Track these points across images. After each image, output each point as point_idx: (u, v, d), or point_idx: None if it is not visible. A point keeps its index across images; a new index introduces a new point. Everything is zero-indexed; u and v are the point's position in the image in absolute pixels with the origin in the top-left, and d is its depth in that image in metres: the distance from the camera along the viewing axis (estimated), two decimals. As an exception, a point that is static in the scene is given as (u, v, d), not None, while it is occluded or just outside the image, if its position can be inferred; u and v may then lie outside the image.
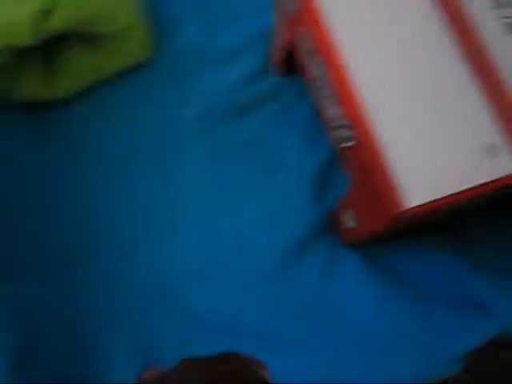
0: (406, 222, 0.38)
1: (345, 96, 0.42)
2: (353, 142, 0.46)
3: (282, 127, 0.82)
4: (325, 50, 0.44)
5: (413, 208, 0.35)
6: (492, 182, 0.34)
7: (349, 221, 0.65)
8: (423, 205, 0.35)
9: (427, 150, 0.38)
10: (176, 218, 0.75)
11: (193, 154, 0.79)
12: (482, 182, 0.35)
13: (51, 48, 0.74)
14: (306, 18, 0.50)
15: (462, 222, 0.70)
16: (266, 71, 0.85)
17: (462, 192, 0.35)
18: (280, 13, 0.70)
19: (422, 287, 0.67)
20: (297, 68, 0.77)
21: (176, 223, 0.74)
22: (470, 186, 0.35)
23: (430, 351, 0.57)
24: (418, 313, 0.64)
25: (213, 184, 0.77)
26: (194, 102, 0.81)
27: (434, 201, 0.35)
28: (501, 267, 0.66)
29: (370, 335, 0.64)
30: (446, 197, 0.35)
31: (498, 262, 0.67)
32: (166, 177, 0.78)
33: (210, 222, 0.75)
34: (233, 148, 0.79)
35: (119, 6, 0.73)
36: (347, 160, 0.55)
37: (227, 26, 0.87)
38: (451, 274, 0.67)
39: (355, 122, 0.41)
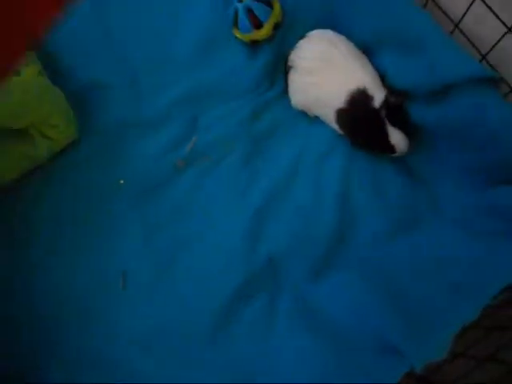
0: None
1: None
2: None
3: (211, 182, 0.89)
4: None
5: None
6: None
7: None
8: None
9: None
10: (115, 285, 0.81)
11: (127, 222, 0.85)
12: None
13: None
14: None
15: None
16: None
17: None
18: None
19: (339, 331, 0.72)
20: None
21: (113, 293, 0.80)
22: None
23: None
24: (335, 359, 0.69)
25: (147, 249, 0.83)
26: (125, 172, 0.87)
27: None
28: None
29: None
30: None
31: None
32: (106, 247, 0.83)
33: (148, 288, 0.81)
34: (163, 214, 0.85)
35: (37, 99, 0.78)
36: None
37: (151, 95, 0.94)
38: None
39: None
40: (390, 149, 0.83)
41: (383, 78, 0.86)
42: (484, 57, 0.79)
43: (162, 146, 0.91)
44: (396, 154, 0.84)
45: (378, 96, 0.81)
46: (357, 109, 0.83)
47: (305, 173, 0.90)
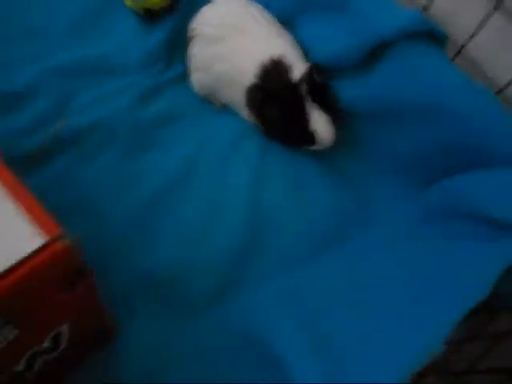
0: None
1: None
2: None
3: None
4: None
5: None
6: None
7: None
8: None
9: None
10: None
11: None
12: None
13: None
14: None
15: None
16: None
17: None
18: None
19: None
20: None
21: None
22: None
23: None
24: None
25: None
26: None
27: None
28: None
29: None
30: None
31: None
32: None
33: None
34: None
35: None
36: None
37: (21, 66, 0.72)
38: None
39: None
40: (309, 137, 0.63)
41: (306, 54, 0.68)
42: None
43: (22, 127, 0.67)
44: (316, 147, 0.65)
45: (298, 67, 0.63)
46: (270, 83, 0.63)
47: (204, 172, 0.69)
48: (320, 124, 0.62)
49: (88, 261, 0.37)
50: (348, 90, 0.66)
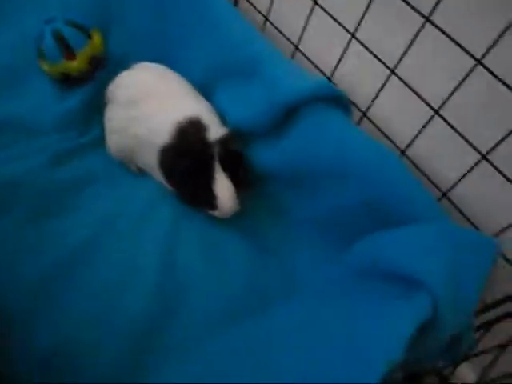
0: None
1: None
2: None
3: None
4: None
5: None
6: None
7: None
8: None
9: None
10: None
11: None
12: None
13: None
14: None
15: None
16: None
17: None
18: None
19: None
20: None
21: None
22: None
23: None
24: None
25: None
26: None
27: None
28: None
29: None
30: None
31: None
32: None
33: None
34: None
35: None
36: None
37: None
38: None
39: None
40: (211, 201, 0.62)
41: (223, 119, 0.69)
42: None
43: None
44: (217, 213, 0.63)
45: (215, 129, 0.63)
46: (184, 141, 0.62)
47: (115, 237, 0.64)
48: (223, 190, 0.61)
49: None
50: (262, 154, 0.67)
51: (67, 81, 0.76)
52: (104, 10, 0.79)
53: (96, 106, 0.75)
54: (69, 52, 0.73)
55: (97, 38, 0.77)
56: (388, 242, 0.52)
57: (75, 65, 0.74)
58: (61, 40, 0.73)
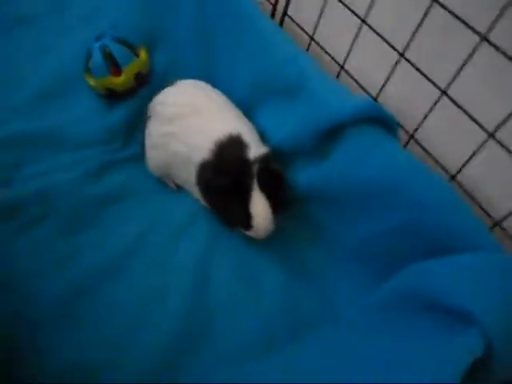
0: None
1: None
2: None
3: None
4: None
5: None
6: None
7: None
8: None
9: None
10: None
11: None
12: None
13: None
14: None
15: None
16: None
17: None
18: None
19: None
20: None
21: None
22: None
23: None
24: None
25: None
26: None
27: None
28: None
29: None
30: None
31: None
32: None
33: None
34: None
35: None
36: None
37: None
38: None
39: None
40: (246, 220, 0.60)
41: (263, 138, 0.68)
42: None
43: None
44: (252, 233, 0.61)
45: (255, 148, 0.62)
46: (223, 158, 0.62)
47: (149, 252, 0.64)
48: (260, 210, 0.60)
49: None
50: (303, 174, 0.65)
51: (112, 96, 0.78)
52: (151, 28, 0.80)
53: (138, 122, 0.76)
54: (115, 68, 0.75)
55: (143, 55, 0.78)
56: (437, 272, 0.49)
57: (121, 81, 0.76)
58: (108, 56, 0.75)
